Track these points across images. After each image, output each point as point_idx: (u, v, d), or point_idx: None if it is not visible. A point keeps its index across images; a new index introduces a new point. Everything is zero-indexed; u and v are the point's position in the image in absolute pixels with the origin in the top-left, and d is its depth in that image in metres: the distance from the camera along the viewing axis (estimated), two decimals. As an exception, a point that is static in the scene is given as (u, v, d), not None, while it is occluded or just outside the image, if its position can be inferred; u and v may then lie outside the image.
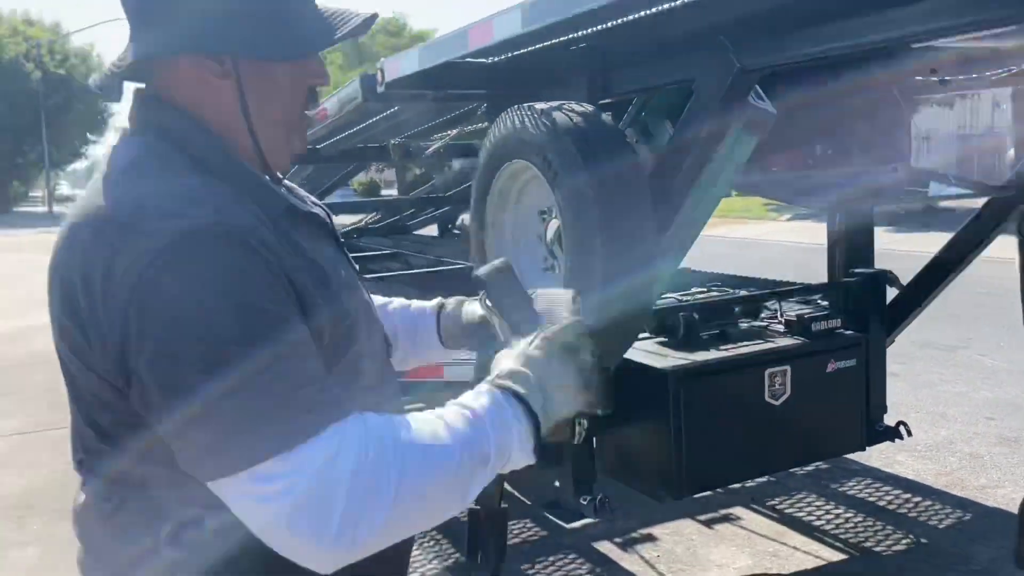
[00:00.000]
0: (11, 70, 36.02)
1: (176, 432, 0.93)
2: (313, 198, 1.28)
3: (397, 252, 5.37)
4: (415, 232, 6.35)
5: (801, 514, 3.99)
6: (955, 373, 6.30)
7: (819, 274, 5.06)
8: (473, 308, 1.42)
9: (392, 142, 3.96)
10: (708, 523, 3.94)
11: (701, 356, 3.25)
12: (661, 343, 3.38)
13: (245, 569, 0.98)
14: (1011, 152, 3.77)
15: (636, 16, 2.12)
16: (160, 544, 0.99)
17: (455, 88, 3.07)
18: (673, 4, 2.04)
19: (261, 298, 0.94)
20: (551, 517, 3.36)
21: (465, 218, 9.07)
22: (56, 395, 5.80)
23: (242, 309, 0.92)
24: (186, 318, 0.91)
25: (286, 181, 1.21)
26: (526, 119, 2.48)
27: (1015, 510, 3.94)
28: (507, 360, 1.10)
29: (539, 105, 2.45)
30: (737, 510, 4.03)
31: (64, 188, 61.66)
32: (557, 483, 4.49)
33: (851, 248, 3.89)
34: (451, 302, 1.48)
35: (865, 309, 3.63)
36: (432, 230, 6.47)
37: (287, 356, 0.93)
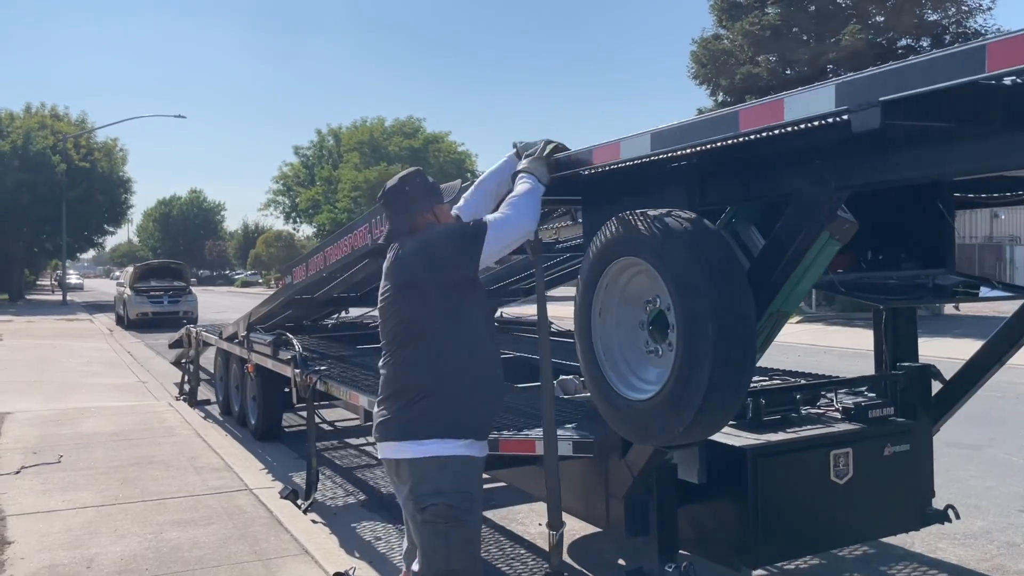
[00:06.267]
0: (38, 162, 37.19)
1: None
2: None
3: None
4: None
5: (856, 594, 4.24)
6: (983, 469, 6.60)
7: (828, 370, 5.44)
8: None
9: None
10: (768, 600, 4.18)
11: (772, 437, 3.61)
12: (732, 425, 3.73)
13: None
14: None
15: (747, 140, 2.56)
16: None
17: (558, 195, 3.52)
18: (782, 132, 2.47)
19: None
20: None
21: (503, 312, 9.52)
22: (125, 472, 6.10)
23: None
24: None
25: None
26: (639, 222, 2.91)
27: (1058, 592, 4.21)
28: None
29: (651, 212, 2.89)
30: (795, 588, 4.28)
31: (72, 277, 62.22)
32: (621, 561, 4.76)
33: (897, 343, 4.27)
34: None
35: (913, 400, 4.00)
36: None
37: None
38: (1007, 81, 1.97)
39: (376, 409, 3.08)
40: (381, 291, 3.09)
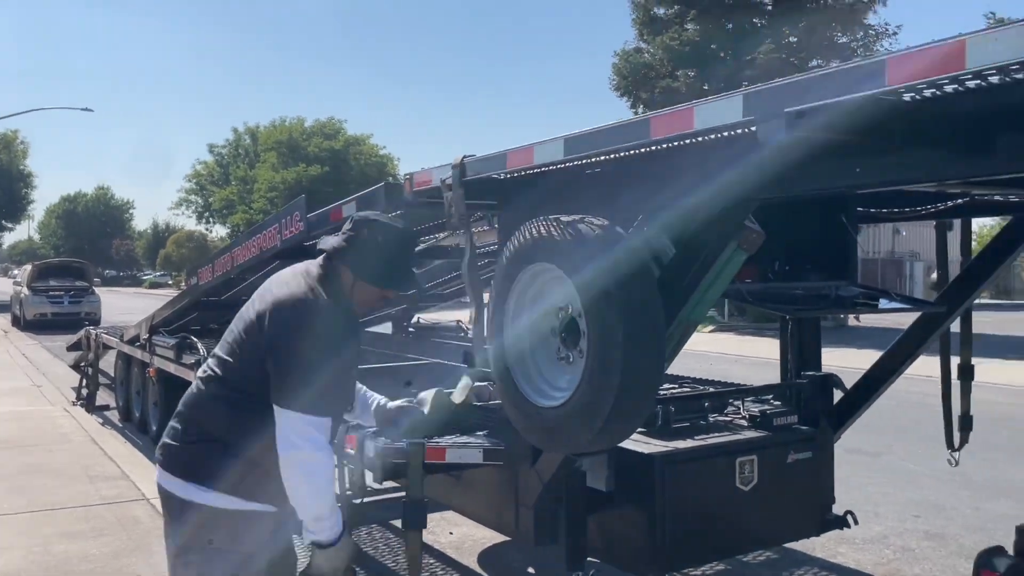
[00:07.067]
0: (-71, 152, 35.15)
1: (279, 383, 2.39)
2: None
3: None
4: (366, 329, 6.72)
5: (760, 599, 4.32)
6: (881, 476, 6.84)
7: (736, 378, 5.57)
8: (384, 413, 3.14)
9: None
10: (676, 607, 4.21)
11: (681, 443, 3.63)
12: (641, 432, 3.74)
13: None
14: (934, 275, 4.38)
15: (654, 149, 2.56)
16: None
17: (475, 199, 3.47)
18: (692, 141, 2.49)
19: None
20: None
21: (420, 318, 9.42)
22: (12, 481, 5.77)
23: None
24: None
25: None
26: (552, 228, 2.89)
27: (949, 594, 4.38)
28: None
29: (564, 217, 2.87)
30: (701, 595, 4.33)
31: (-34, 275, 58.91)
32: (531, 569, 4.73)
33: (801, 353, 4.38)
34: (380, 407, 3.13)
35: (816, 408, 4.09)
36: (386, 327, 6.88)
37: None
38: (907, 97, 2.01)
39: (172, 422, 2.60)
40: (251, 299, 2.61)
